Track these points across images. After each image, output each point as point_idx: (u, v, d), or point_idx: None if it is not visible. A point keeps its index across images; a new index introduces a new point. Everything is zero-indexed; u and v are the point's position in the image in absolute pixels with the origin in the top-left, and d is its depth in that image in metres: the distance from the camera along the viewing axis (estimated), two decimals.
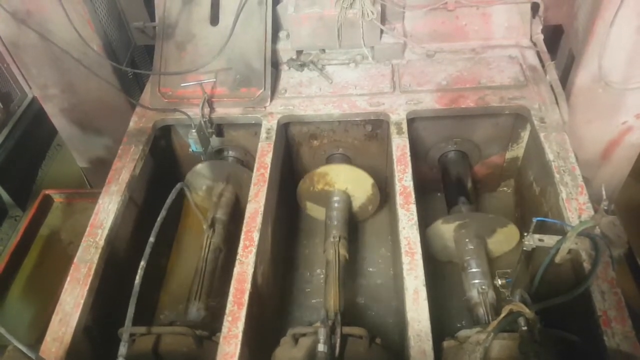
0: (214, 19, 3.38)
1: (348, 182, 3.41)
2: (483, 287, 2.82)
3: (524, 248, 2.42)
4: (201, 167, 3.46)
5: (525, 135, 3.31)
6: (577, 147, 2.90)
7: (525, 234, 2.41)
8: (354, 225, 3.59)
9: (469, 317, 2.85)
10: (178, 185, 2.73)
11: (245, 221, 2.67)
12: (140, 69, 3.95)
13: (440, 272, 3.30)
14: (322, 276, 3.04)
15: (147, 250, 2.44)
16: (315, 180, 3.41)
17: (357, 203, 3.52)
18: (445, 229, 3.14)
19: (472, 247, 3.03)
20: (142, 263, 2.40)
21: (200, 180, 3.54)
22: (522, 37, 3.45)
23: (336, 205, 3.39)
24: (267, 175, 2.87)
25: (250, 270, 2.45)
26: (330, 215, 3.33)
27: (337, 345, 2.38)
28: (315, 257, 3.56)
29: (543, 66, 3.26)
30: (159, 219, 2.54)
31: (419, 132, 3.37)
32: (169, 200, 2.63)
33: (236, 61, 3.29)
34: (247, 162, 3.64)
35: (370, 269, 3.48)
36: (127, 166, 3.03)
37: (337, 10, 3.22)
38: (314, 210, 3.66)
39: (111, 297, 2.66)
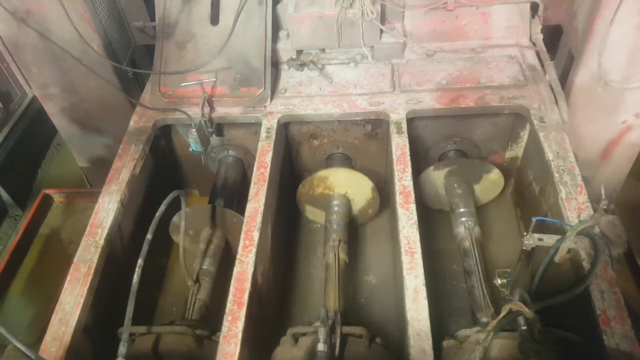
0: (214, 19, 3.38)
1: (348, 185, 3.40)
2: (469, 223, 3.08)
3: (524, 247, 2.43)
4: (188, 211, 2.95)
5: (524, 134, 3.32)
6: (576, 147, 2.90)
7: (525, 233, 2.42)
8: (354, 227, 3.58)
9: (458, 256, 3.09)
10: (173, 193, 2.67)
11: (245, 220, 2.67)
12: (140, 69, 3.95)
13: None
14: (322, 274, 3.03)
15: (145, 248, 2.43)
16: (315, 184, 3.40)
17: (357, 207, 3.51)
18: (436, 176, 3.36)
19: (460, 191, 3.30)
20: (140, 261, 2.39)
21: (187, 223, 2.94)
22: (522, 36, 3.45)
23: (336, 209, 3.37)
24: (267, 174, 2.87)
25: (250, 269, 2.45)
26: (330, 219, 3.31)
27: (337, 344, 2.38)
28: (315, 256, 3.56)
29: (542, 66, 3.27)
30: (156, 216, 2.53)
31: (418, 131, 3.37)
32: (165, 203, 2.60)
33: (236, 61, 3.29)
34: (247, 162, 3.64)
35: (370, 268, 3.48)
36: (127, 165, 3.03)
37: (336, 10, 3.22)
38: (313, 214, 3.65)
39: (111, 297, 2.66)
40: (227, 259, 3.12)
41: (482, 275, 2.80)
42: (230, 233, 3.24)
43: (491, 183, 3.41)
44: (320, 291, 2.93)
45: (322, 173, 3.35)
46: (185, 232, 2.79)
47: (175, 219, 3.20)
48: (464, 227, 3.07)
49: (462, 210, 3.18)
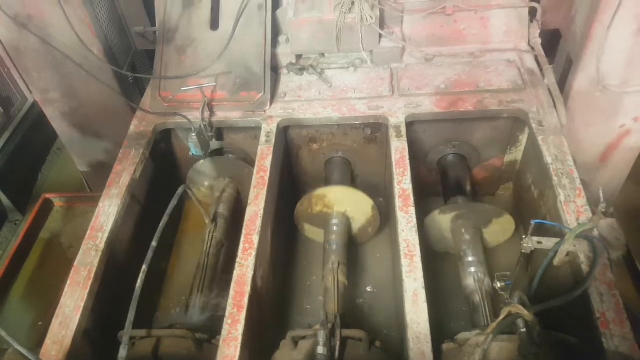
0: (214, 24, 3.40)
1: (347, 204, 3.32)
2: (479, 274, 2.89)
3: (523, 251, 2.43)
4: (203, 164, 3.47)
5: (523, 138, 3.33)
6: (575, 151, 2.91)
7: (524, 236, 2.42)
8: (353, 247, 3.53)
9: (467, 309, 2.90)
10: (181, 188, 2.71)
11: (244, 224, 2.67)
12: (140, 74, 3.97)
13: (439, 270, 3.33)
14: (321, 276, 3.04)
15: (150, 254, 2.44)
16: (314, 202, 3.32)
17: (356, 225, 3.43)
18: (442, 220, 3.19)
19: (468, 237, 3.10)
20: (144, 267, 2.40)
21: (202, 177, 3.56)
22: (520, 41, 3.47)
23: (335, 228, 3.28)
24: (266, 178, 2.88)
25: (250, 273, 2.46)
26: (329, 239, 3.22)
27: (337, 347, 2.39)
28: (315, 259, 3.56)
29: (541, 70, 3.28)
30: (161, 224, 2.54)
31: (418, 135, 3.38)
32: (173, 202, 2.62)
33: (236, 65, 3.30)
34: None
35: (370, 273, 3.48)
36: (127, 169, 3.04)
37: (336, 15, 3.24)
38: (312, 232, 3.57)
39: (111, 300, 2.66)
40: (238, 206, 3.48)
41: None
42: (241, 183, 3.52)
43: (501, 228, 3.21)
44: (320, 294, 2.94)
45: (321, 191, 3.28)
46: (201, 183, 3.52)
47: (190, 173, 3.53)
48: (474, 280, 2.89)
49: (470, 259, 3.00)
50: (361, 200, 3.27)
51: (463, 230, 3.13)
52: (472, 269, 2.94)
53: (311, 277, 3.48)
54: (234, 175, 3.54)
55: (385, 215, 3.43)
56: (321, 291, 2.93)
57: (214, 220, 3.26)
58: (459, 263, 3.04)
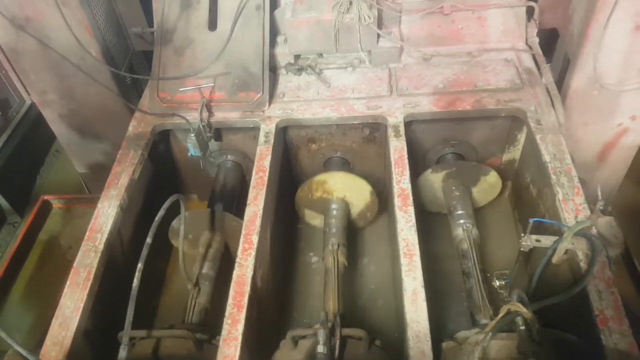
0: (212, 24, 3.40)
1: (346, 189, 3.41)
2: (467, 225, 3.09)
3: (522, 249, 2.44)
4: (187, 216, 2.94)
5: (521, 137, 3.34)
6: (573, 149, 2.92)
7: (523, 234, 2.43)
8: (352, 231, 3.59)
9: (456, 256, 3.07)
10: (173, 197, 2.69)
11: (244, 224, 2.68)
12: (138, 75, 3.97)
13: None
14: (321, 277, 3.04)
15: (144, 251, 2.44)
16: (314, 188, 3.41)
17: (355, 210, 3.53)
18: (434, 179, 3.38)
19: (458, 193, 3.32)
20: (140, 265, 2.40)
21: (186, 228, 2.93)
22: (518, 40, 3.48)
23: (334, 212, 3.39)
24: (265, 178, 2.89)
25: (249, 273, 2.46)
26: (329, 223, 3.33)
27: (337, 346, 2.39)
28: (315, 259, 3.57)
29: (539, 69, 3.29)
30: (155, 220, 2.54)
31: (416, 134, 3.39)
32: (164, 207, 2.61)
33: (234, 66, 3.31)
34: (245, 166, 3.66)
35: (369, 270, 3.49)
36: (126, 171, 3.04)
37: (334, 15, 3.25)
38: (312, 217, 3.66)
39: (111, 301, 2.66)
40: (226, 262, 3.11)
41: (480, 276, 2.81)
42: (230, 237, 3.23)
43: (489, 185, 3.42)
44: (320, 294, 2.94)
45: (321, 177, 3.36)
46: (184, 236, 2.78)
47: (174, 223, 3.20)
48: (462, 229, 3.08)
49: (460, 212, 3.20)
50: (360, 185, 3.35)
51: (453, 188, 3.35)
52: (461, 221, 3.14)
53: (311, 277, 3.48)
54: (222, 228, 3.23)
55: (383, 201, 3.51)
56: (321, 290, 2.93)
57: (197, 284, 2.92)
58: (449, 217, 3.26)
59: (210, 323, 2.78)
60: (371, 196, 3.41)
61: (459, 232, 3.10)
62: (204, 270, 3.03)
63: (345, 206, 3.45)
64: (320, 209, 3.52)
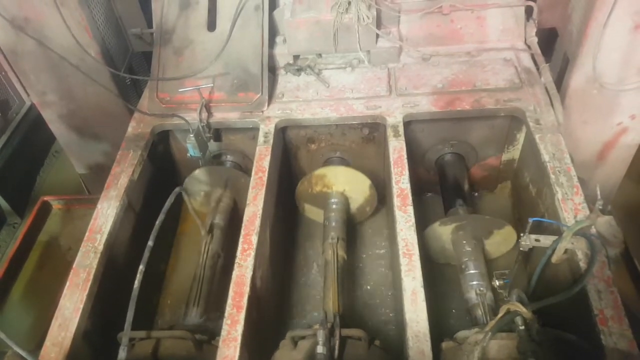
0: (211, 25, 3.40)
1: (346, 183, 3.42)
2: (481, 288, 2.81)
3: (521, 249, 2.44)
4: (199, 173, 3.46)
5: (520, 137, 3.34)
6: (573, 149, 2.92)
7: (522, 234, 2.43)
8: (352, 226, 3.59)
9: (468, 319, 2.86)
10: (176, 190, 2.75)
11: (243, 225, 2.68)
12: (138, 75, 3.97)
13: (439, 274, 3.32)
14: (320, 278, 3.05)
15: (146, 254, 2.45)
16: (314, 182, 3.43)
17: (355, 204, 3.54)
18: (443, 231, 3.15)
19: (469, 248, 3.03)
20: (141, 267, 2.41)
21: (198, 186, 3.54)
22: (517, 39, 3.48)
23: (334, 206, 3.40)
24: (265, 178, 2.89)
25: (249, 273, 2.46)
26: (329, 217, 3.34)
27: (336, 347, 2.39)
28: (314, 260, 3.57)
29: (538, 68, 3.29)
30: (157, 222, 2.56)
31: (415, 134, 3.39)
32: (167, 204, 2.65)
33: (233, 66, 3.31)
34: (245, 166, 3.66)
35: (369, 269, 3.49)
36: (125, 171, 3.04)
37: (333, 15, 3.25)
38: (312, 212, 3.67)
39: (110, 302, 2.66)
40: (235, 215, 3.41)
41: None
42: (238, 193, 3.48)
43: (503, 238, 3.16)
44: (319, 294, 2.94)
45: (321, 171, 3.38)
46: (197, 193, 3.46)
47: (186, 182, 3.47)
48: (475, 294, 2.81)
49: (472, 272, 2.92)
50: (359, 179, 3.36)
51: (464, 242, 3.07)
52: (474, 283, 2.86)
53: (310, 277, 3.48)
54: (231, 185, 3.52)
55: (382, 195, 3.51)
56: (321, 291, 2.94)
57: (210, 231, 3.22)
58: (460, 275, 2.98)
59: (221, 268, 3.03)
60: (370, 190, 3.41)
61: (471, 295, 2.83)
62: (216, 220, 3.31)
63: (345, 200, 3.47)
64: (319, 203, 3.53)
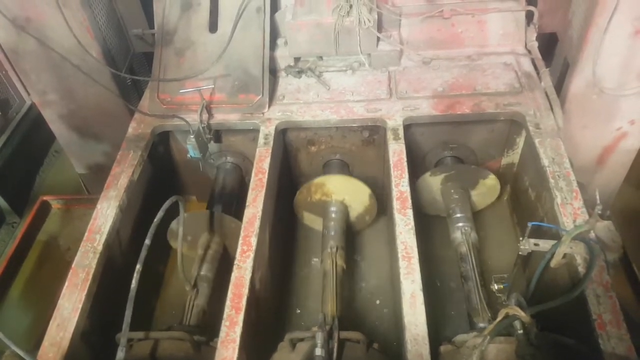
0: (213, 26, 3.41)
1: (345, 192, 3.40)
2: (466, 228, 3.10)
3: (520, 253, 2.44)
4: (186, 217, 2.91)
5: (520, 141, 3.34)
6: (572, 153, 2.92)
7: (521, 238, 2.43)
8: (351, 234, 3.58)
9: (455, 259, 3.06)
10: (172, 198, 2.69)
11: (243, 226, 2.68)
12: (139, 76, 3.97)
13: (439, 273, 3.35)
14: (319, 280, 3.04)
15: (143, 253, 2.44)
16: (313, 190, 3.41)
17: (354, 213, 3.51)
18: (433, 182, 3.37)
19: (457, 196, 3.32)
20: (138, 267, 2.40)
21: (186, 229, 2.96)
22: (517, 44, 3.49)
23: (333, 215, 3.38)
24: (265, 180, 2.89)
25: (248, 275, 2.46)
26: (328, 226, 3.31)
27: (335, 349, 2.39)
28: (313, 262, 3.57)
29: (538, 73, 3.30)
30: (153, 223, 2.54)
31: (415, 137, 3.39)
32: (163, 209, 2.62)
33: (234, 68, 3.31)
34: (245, 168, 3.66)
35: (368, 272, 3.49)
36: (125, 172, 3.04)
37: (334, 18, 3.26)
38: (311, 220, 3.65)
39: (109, 302, 2.66)
40: (225, 264, 3.10)
41: (479, 280, 2.81)
42: (228, 238, 3.23)
43: (487, 189, 3.42)
44: (318, 297, 2.94)
45: (320, 180, 3.36)
46: (183, 238, 2.77)
47: (173, 225, 3.20)
48: (461, 233, 3.08)
49: (458, 215, 3.19)
50: (359, 188, 3.34)
51: (452, 191, 3.35)
52: (460, 224, 3.13)
53: (309, 279, 3.49)
54: (220, 230, 3.25)
55: (382, 203, 3.50)
56: (320, 293, 2.93)
57: (195, 286, 2.93)
58: (448, 220, 3.25)
59: (209, 324, 2.78)
60: (370, 199, 3.40)
61: (457, 235, 3.10)
62: (202, 272, 3.04)
63: (344, 209, 3.45)
64: (319, 211, 3.51)
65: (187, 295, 2.88)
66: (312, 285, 3.44)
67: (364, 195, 3.38)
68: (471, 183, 3.40)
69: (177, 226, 3.00)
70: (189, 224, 3.07)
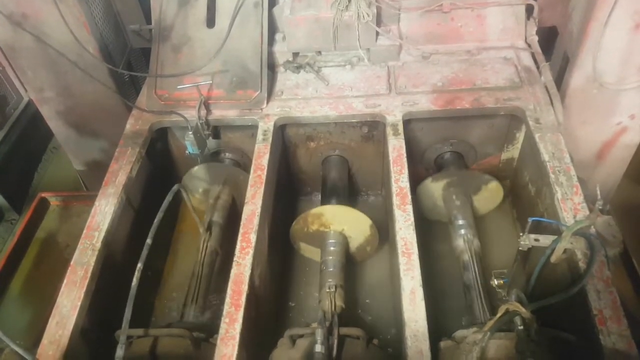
0: (210, 22, 3.39)
1: (344, 222, 3.18)
2: (468, 236, 3.04)
3: (520, 248, 2.43)
4: (198, 170, 3.44)
5: (520, 136, 3.33)
6: (572, 148, 2.91)
7: (521, 234, 2.42)
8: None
9: (457, 267, 3.01)
10: (175, 187, 2.73)
11: (242, 223, 2.67)
12: (136, 72, 3.95)
13: (439, 272, 3.32)
14: (317, 277, 3.03)
15: (144, 252, 2.44)
16: (310, 221, 3.19)
17: (354, 244, 3.28)
18: (434, 188, 3.31)
19: (458, 203, 3.25)
20: (139, 265, 2.40)
21: (197, 182, 3.53)
22: (517, 38, 3.47)
23: (332, 248, 3.13)
24: (263, 177, 2.88)
25: (247, 272, 2.45)
26: (326, 260, 3.08)
27: (335, 346, 2.39)
28: (312, 259, 3.56)
29: (538, 67, 3.28)
30: (156, 220, 2.54)
31: (415, 133, 3.38)
32: (166, 202, 2.64)
33: (232, 63, 3.30)
34: (244, 164, 3.65)
35: (368, 268, 3.48)
36: (123, 168, 3.03)
37: (332, 13, 3.24)
38: (308, 251, 3.43)
39: (108, 300, 2.66)
40: (233, 213, 3.41)
41: (482, 290, 2.76)
42: (236, 190, 3.46)
43: (490, 194, 3.36)
44: (318, 293, 2.93)
45: (317, 210, 3.15)
46: (195, 189, 3.50)
47: (185, 179, 3.49)
48: (463, 240, 3.02)
49: (460, 222, 3.13)
50: (359, 218, 3.13)
51: (454, 197, 3.28)
52: (462, 231, 3.08)
53: (309, 275, 3.48)
54: (229, 181, 3.50)
55: (384, 233, 3.27)
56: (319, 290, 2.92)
57: (209, 228, 3.22)
58: (450, 227, 3.19)
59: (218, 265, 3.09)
60: (371, 229, 3.16)
61: (459, 242, 3.04)
62: (214, 218, 3.32)
63: (344, 240, 3.21)
64: (316, 242, 3.28)
65: (200, 237, 3.18)
66: (312, 281, 3.42)
67: (364, 225, 3.15)
68: (473, 188, 3.33)
69: (189, 180, 3.51)
70: (201, 175, 3.50)
